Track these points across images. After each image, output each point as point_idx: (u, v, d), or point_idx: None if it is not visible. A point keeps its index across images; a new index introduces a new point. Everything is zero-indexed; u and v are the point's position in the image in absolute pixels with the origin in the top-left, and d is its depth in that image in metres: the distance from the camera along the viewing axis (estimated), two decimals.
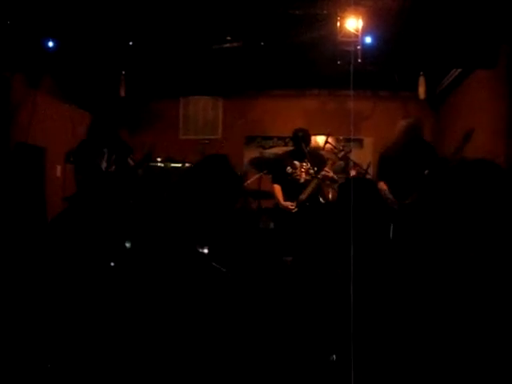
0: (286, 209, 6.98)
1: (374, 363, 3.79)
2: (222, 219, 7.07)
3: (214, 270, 6.29)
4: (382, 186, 6.64)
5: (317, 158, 7.18)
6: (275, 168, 7.44)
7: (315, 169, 6.94)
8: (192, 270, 6.20)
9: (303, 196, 6.92)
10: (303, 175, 7.05)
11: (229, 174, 7.12)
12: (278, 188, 7.21)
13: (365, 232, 6.46)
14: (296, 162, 7.11)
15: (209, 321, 4.76)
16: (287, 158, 7.29)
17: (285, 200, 7.06)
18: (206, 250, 6.57)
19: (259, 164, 9.17)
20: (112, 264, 6.13)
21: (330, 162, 7.06)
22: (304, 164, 7.05)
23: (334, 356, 3.83)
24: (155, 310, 4.95)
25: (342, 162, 7.67)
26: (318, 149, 7.89)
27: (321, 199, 7.13)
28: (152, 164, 7.87)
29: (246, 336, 4.43)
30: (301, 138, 7.07)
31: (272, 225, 7.86)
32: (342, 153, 7.31)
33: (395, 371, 3.73)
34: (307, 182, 6.99)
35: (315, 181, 6.93)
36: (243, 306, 5.26)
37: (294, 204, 6.95)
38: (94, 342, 4.14)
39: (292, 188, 7.05)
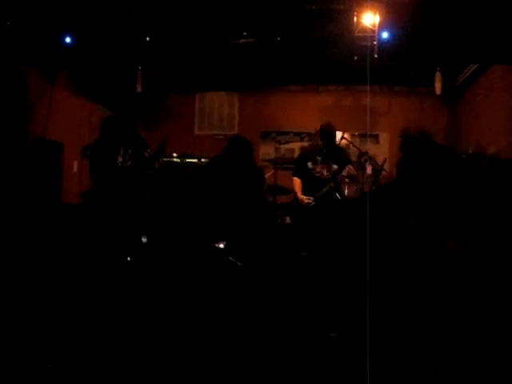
0: (302, 202, 7.05)
1: (390, 357, 3.80)
2: (239, 214, 7.08)
3: (230, 264, 6.31)
4: None
5: (341, 155, 7.21)
6: (298, 162, 7.50)
7: (335, 166, 7.01)
8: (208, 265, 6.21)
9: (320, 193, 6.98)
10: (324, 172, 7.11)
11: (251, 167, 7.13)
12: (297, 181, 7.28)
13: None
14: (318, 158, 7.15)
15: (223, 315, 4.77)
16: (311, 152, 7.35)
17: (303, 194, 7.12)
18: (222, 245, 6.58)
19: (275, 160, 9.21)
20: (128, 259, 6.16)
21: (355, 162, 7.10)
22: (326, 160, 7.10)
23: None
24: (171, 304, 4.97)
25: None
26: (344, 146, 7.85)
27: (337, 195, 7.16)
28: (168, 159, 7.90)
29: (260, 331, 4.44)
30: (323, 135, 7.17)
31: (288, 219, 7.89)
32: (366, 156, 7.31)
33: (410, 366, 3.72)
34: (327, 180, 7.04)
35: (334, 179, 6.98)
36: (259, 300, 5.27)
37: (311, 198, 7.01)
38: (110, 337, 4.16)
39: (311, 183, 7.11)
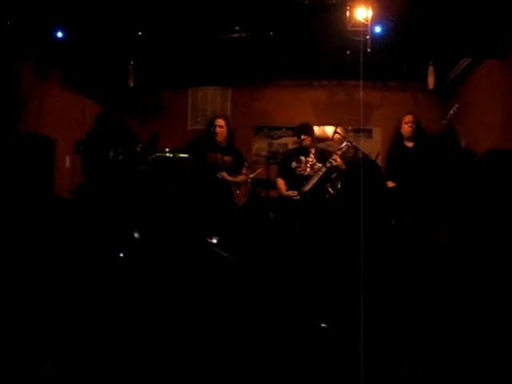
0: (289, 197, 7.12)
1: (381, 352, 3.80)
2: (230, 210, 7.10)
3: (218, 256, 6.30)
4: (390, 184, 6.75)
5: (322, 153, 7.30)
6: (281, 163, 7.62)
7: (319, 164, 7.08)
8: (200, 260, 6.20)
9: (306, 187, 7.03)
10: (308, 169, 7.18)
11: None
12: (281, 182, 7.45)
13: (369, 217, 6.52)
14: (301, 157, 7.24)
15: (216, 309, 4.77)
16: (294, 153, 7.49)
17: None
18: (214, 240, 6.58)
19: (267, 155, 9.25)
20: (121, 254, 6.15)
21: (338, 152, 7.13)
22: (309, 159, 7.17)
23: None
24: (164, 299, 4.96)
25: (351, 151, 7.72)
26: (325, 144, 7.94)
27: (331, 190, 7.19)
28: (160, 154, 7.89)
29: (253, 324, 4.44)
30: (298, 132, 7.36)
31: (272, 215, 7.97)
32: (346, 144, 7.32)
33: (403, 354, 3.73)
34: (311, 176, 7.10)
35: (320, 173, 7.03)
36: (250, 293, 5.27)
37: (295, 192, 7.09)
38: (102, 336, 4.15)
39: (296, 182, 7.19)
